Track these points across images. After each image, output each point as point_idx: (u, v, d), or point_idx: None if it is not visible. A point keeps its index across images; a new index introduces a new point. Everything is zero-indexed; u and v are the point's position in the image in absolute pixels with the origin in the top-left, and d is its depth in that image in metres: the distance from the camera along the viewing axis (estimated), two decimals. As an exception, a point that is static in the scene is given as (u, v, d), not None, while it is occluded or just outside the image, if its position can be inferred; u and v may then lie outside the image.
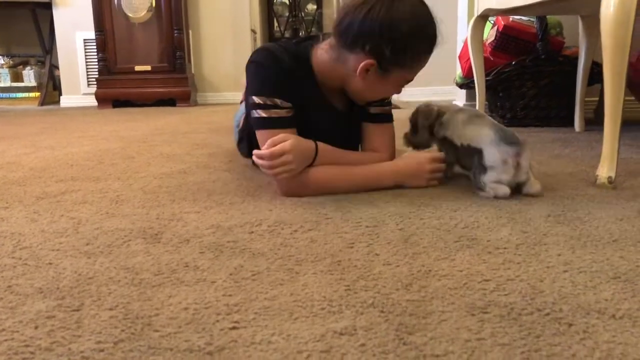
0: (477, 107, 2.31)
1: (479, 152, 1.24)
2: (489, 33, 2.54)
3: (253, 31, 4.55)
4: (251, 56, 1.35)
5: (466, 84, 2.69)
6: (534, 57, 2.40)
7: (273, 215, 1.12)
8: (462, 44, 2.77)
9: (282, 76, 1.30)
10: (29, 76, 4.28)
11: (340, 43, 1.26)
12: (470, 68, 2.37)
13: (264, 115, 1.27)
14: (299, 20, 7.17)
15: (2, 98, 4.24)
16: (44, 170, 1.63)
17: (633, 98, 2.46)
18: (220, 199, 1.26)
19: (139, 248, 0.93)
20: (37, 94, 4.26)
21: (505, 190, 1.23)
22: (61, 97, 4.26)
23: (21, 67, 4.35)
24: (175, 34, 3.94)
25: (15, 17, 4.42)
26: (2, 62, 4.37)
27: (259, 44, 5.46)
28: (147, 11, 3.85)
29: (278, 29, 7.19)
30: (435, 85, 3.87)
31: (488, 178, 1.23)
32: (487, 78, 2.37)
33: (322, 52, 1.32)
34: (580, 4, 1.94)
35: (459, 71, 2.79)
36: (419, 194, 1.27)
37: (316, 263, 0.85)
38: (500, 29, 2.44)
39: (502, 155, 1.21)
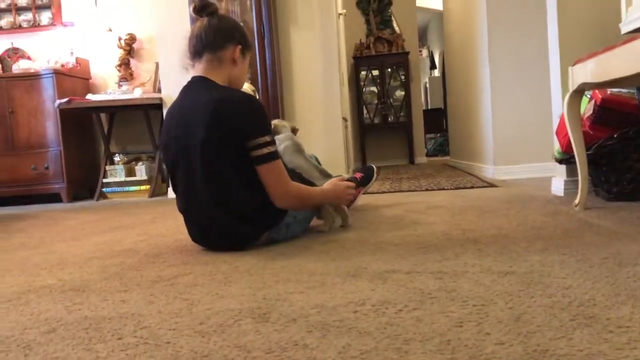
0: (580, 183, 2.23)
1: (312, 184, 2.02)
2: (586, 107, 2.48)
3: (344, 119, 4.72)
4: (246, 100, 1.74)
5: (566, 159, 2.61)
6: (638, 129, 2.30)
7: (376, 295, 1.12)
8: (557, 120, 2.72)
9: None
10: (141, 171, 4.65)
11: (213, 50, 1.78)
12: (569, 143, 2.31)
13: (273, 150, 1.72)
14: (387, 106, 7.36)
15: (117, 192, 4.62)
16: (157, 256, 1.74)
17: None
18: (322, 279, 1.28)
19: (249, 327, 0.97)
20: (148, 186, 4.61)
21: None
22: (169, 188, 4.58)
23: (134, 162, 4.76)
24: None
25: (130, 118, 4.90)
26: (118, 159, 4.81)
27: (350, 131, 5.63)
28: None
29: (367, 115, 7.41)
30: (533, 162, 3.77)
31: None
32: (588, 152, 2.28)
33: (214, 73, 1.79)
34: (684, 72, 1.86)
35: (557, 147, 2.72)
36: (526, 271, 1.23)
37: (425, 342, 0.84)
38: (598, 103, 2.37)
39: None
